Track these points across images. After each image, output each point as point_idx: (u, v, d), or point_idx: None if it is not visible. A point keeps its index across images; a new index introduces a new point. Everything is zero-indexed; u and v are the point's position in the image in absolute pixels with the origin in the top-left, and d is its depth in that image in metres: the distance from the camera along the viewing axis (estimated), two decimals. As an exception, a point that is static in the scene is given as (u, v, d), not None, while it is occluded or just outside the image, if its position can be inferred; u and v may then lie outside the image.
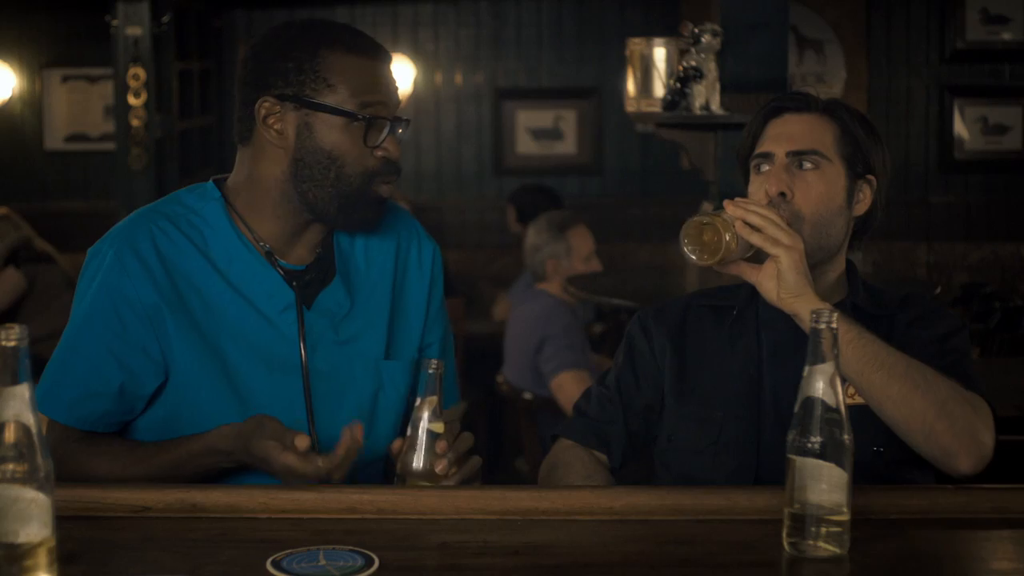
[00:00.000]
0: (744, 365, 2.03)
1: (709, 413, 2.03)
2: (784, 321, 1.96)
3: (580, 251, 4.60)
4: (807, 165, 2.00)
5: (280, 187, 1.91)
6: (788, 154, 2.00)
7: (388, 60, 1.92)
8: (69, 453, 1.85)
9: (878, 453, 1.93)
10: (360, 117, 1.85)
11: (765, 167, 2.03)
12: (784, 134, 2.03)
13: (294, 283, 1.92)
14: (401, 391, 2.01)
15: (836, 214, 2.00)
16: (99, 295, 1.88)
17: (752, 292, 2.07)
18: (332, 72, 1.86)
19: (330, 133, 1.86)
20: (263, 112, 1.88)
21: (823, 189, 1.99)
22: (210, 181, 1.98)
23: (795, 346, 1.86)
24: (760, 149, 2.04)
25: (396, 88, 1.92)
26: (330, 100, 1.85)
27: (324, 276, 1.96)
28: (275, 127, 1.88)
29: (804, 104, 2.05)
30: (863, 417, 1.89)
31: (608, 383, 2.15)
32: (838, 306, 2.02)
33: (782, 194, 1.98)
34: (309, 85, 1.86)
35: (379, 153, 1.88)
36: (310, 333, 1.91)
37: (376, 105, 1.87)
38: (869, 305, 2.05)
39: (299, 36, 1.89)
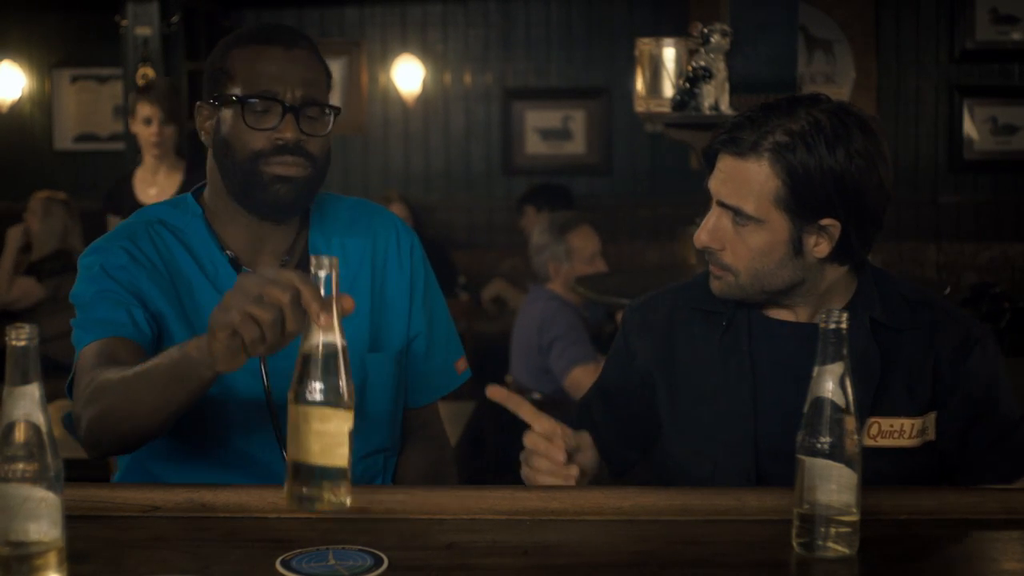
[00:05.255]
0: (737, 390, 1.93)
1: (704, 445, 1.96)
2: (781, 337, 1.92)
3: (582, 252, 4.59)
4: (738, 221, 1.87)
5: (218, 184, 1.98)
6: (718, 203, 1.90)
7: (290, 46, 1.92)
8: (95, 375, 1.79)
9: None
10: (235, 99, 1.90)
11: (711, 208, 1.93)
12: (720, 178, 1.89)
13: None
14: (388, 382, 2.05)
15: (777, 266, 1.87)
16: (102, 274, 1.91)
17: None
18: (234, 66, 1.92)
19: (226, 121, 1.93)
20: (198, 119, 1.98)
21: (756, 245, 1.86)
22: (189, 195, 2.05)
23: (793, 370, 1.81)
24: (707, 183, 1.94)
25: (302, 73, 1.91)
26: (228, 91, 1.92)
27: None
28: (205, 129, 1.97)
29: (744, 148, 1.85)
30: (878, 460, 1.84)
31: (603, 386, 2.12)
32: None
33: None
34: (220, 83, 1.93)
35: (273, 136, 1.89)
36: None
37: (265, 88, 1.89)
38: (885, 318, 1.92)
39: (222, 44, 1.97)
